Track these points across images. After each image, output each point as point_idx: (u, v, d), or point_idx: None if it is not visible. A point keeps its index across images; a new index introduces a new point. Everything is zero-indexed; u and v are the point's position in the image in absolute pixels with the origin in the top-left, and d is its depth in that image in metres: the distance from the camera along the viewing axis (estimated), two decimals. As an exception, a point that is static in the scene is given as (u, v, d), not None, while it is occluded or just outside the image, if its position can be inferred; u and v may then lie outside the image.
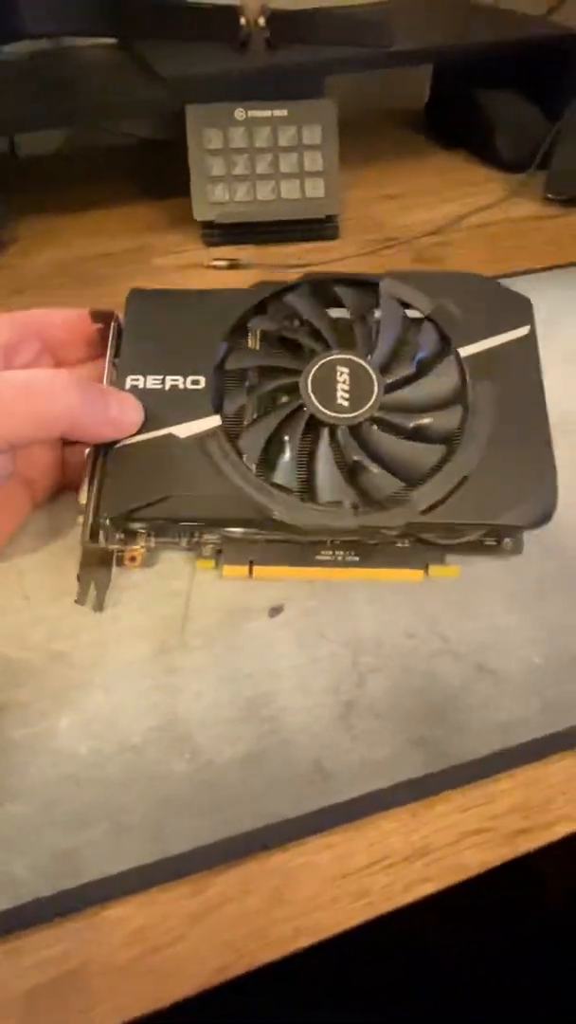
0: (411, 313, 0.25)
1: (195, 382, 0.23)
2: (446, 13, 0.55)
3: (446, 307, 0.25)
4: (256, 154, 0.44)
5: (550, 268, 0.41)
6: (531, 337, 0.25)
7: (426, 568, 0.25)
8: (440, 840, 0.19)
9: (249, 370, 0.24)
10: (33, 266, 0.43)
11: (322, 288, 0.26)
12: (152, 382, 0.23)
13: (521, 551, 0.25)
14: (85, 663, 0.22)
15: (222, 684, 0.22)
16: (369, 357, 0.24)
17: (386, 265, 0.46)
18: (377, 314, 0.25)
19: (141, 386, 0.23)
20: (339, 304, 0.25)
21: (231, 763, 0.20)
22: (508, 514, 0.22)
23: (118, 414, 0.22)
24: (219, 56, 0.46)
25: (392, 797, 0.19)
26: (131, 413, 0.22)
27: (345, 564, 0.25)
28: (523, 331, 0.25)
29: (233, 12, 0.46)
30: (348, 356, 0.23)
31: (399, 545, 0.25)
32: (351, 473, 0.23)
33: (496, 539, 0.25)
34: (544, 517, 0.22)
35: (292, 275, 0.26)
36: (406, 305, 0.25)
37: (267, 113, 0.44)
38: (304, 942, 0.17)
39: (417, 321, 0.25)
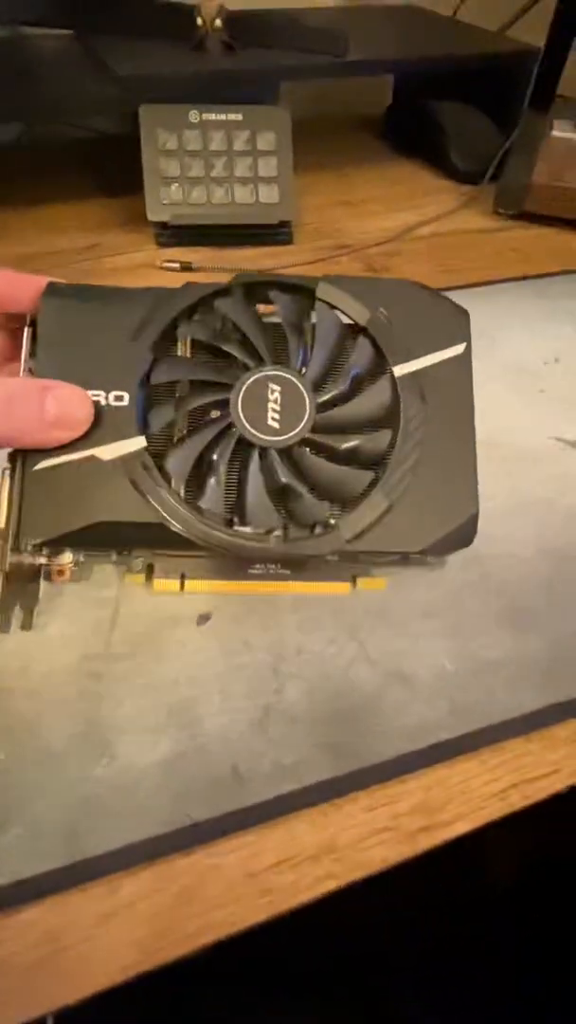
0: (346, 320, 0.24)
1: (119, 398, 0.22)
2: (404, 24, 0.56)
3: (382, 319, 0.24)
4: (211, 157, 0.44)
5: (491, 282, 0.42)
6: (466, 356, 0.24)
7: (354, 581, 0.26)
8: (345, 839, 0.20)
9: (178, 383, 0.23)
10: (-18, 262, 0.43)
11: (255, 291, 0.24)
12: None
13: (444, 563, 0.27)
14: (10, 671, 0.23)
15: (145, 691, 0.22)
16: (303, 371, 0.23)
17: (337, 273, 0.47)
18: (313, 319, 0.23)
19: None
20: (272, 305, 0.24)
21: (149, 768, 0.21)
22: (431, 545, 0.22)
23: (57, 413, 0.20)
24: (175, 56, 0.45)
25: (302, 799, 0.20)
26: (75, 409, 0.20)
27: (276, 577, 0.25)
28: (459, 349, 0.24)
29: (190, 11, 0.46)
30: (280, 373, 0.22)
31: (328, 560, 0.26)
32: (280, 495, 0.22)
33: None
34: (463, 544, 0.23)
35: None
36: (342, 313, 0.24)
37: (222, 116, 0.44)
38: (207, 939, 0.18)
39: (353, 329, 0.24)
